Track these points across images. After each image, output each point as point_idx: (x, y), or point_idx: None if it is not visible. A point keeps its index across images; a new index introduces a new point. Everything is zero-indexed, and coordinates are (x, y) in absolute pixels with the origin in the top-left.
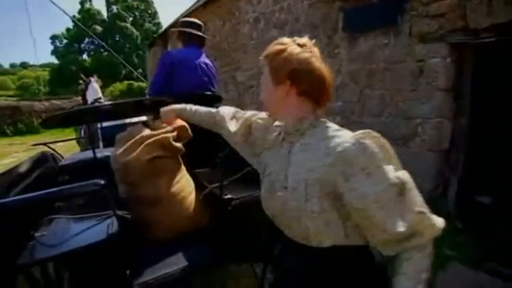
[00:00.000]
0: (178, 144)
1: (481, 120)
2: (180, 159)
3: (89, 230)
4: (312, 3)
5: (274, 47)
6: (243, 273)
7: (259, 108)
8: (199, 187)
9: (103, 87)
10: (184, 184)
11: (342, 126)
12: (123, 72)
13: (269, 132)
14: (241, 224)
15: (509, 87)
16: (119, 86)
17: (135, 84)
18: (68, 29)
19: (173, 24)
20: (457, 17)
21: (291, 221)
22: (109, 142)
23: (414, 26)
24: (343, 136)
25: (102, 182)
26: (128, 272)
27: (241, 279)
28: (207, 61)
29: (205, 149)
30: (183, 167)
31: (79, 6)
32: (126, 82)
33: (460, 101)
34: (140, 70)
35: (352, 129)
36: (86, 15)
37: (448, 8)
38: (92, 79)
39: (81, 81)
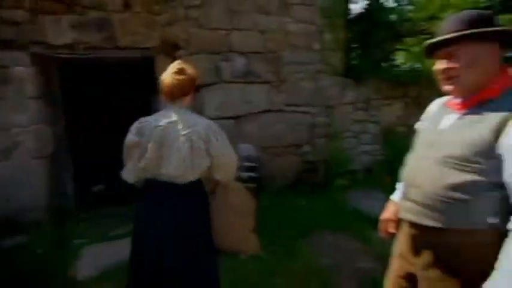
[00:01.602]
0: None
1: (78, 122)
2: None
3: None
4: None
5: None
6: None
7: None
8: None
9: None
10: None
11: None
12: None
13: None
14: None
15: (92, 93)
16: None
17: None
18: None
19: None
20: (36, 30)
21: None
22: None
23: None
24: None
25: None
26: None
27: None
28: None
29: None
30: None
31: None
32: None
33: (54, 108)
34: None
35: None
36: None
37: (24, 19)
38: None
39: None
